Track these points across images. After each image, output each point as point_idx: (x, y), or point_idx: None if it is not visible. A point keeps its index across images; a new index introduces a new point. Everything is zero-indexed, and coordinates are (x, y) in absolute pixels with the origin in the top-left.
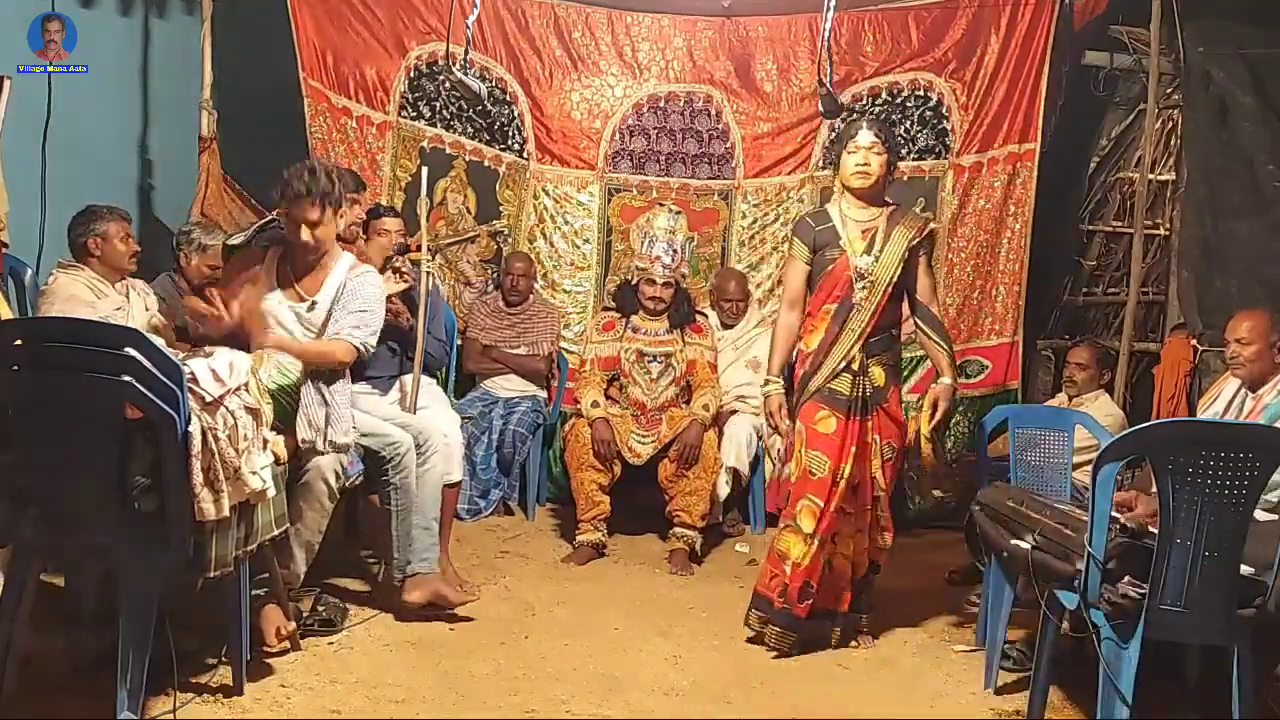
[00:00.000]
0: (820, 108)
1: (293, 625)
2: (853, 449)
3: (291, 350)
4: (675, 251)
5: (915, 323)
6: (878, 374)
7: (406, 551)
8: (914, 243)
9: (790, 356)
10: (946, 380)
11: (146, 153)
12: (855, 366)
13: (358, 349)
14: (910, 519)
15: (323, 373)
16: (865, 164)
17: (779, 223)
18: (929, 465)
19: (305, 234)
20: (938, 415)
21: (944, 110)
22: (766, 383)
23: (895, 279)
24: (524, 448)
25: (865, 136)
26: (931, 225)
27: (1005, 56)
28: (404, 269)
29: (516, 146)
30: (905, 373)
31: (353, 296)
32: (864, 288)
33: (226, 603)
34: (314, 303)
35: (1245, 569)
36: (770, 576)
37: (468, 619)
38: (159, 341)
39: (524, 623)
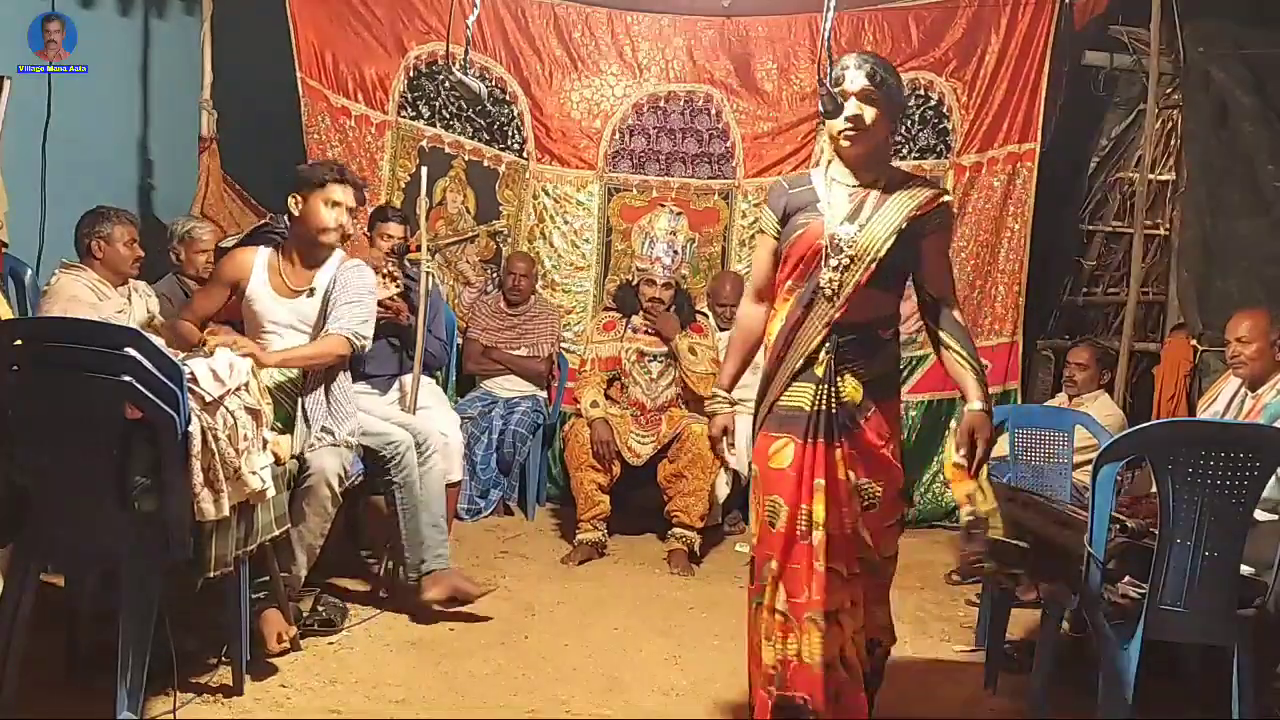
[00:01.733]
0: (820, 107)
1: (294, 630)
2: (818, 483)
3: (292, 362)
4: (676, 253)
5: (931, 330)
6: (850, 386)
7: (419, 550)
8: (916, 214)
9: (746, 365)
10: (977, 405)
11: (146, 153)
12: (820, 372)
13: (350, 340)
14: (910, 519)
15: (322, 372)
16: (857, 115)
17: None
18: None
19: (339, 216)
20: (978, 455)
21: (944, 110)
22: (713, 397)
23: (882, 257)
24: (524, 448)
25: (855, 79)
26: (946, 198)
27: (1005, 56)
28: (394, 273)
29: (516, 146)
30: (904, 372)
31: (343, 289)
32: (837, 265)
33: (226, 603)
34: (311, 289)
35: (1245, 569)
36: (751, 681)
37: (469, 619)
38: (159, 341)
39: (524, 623)
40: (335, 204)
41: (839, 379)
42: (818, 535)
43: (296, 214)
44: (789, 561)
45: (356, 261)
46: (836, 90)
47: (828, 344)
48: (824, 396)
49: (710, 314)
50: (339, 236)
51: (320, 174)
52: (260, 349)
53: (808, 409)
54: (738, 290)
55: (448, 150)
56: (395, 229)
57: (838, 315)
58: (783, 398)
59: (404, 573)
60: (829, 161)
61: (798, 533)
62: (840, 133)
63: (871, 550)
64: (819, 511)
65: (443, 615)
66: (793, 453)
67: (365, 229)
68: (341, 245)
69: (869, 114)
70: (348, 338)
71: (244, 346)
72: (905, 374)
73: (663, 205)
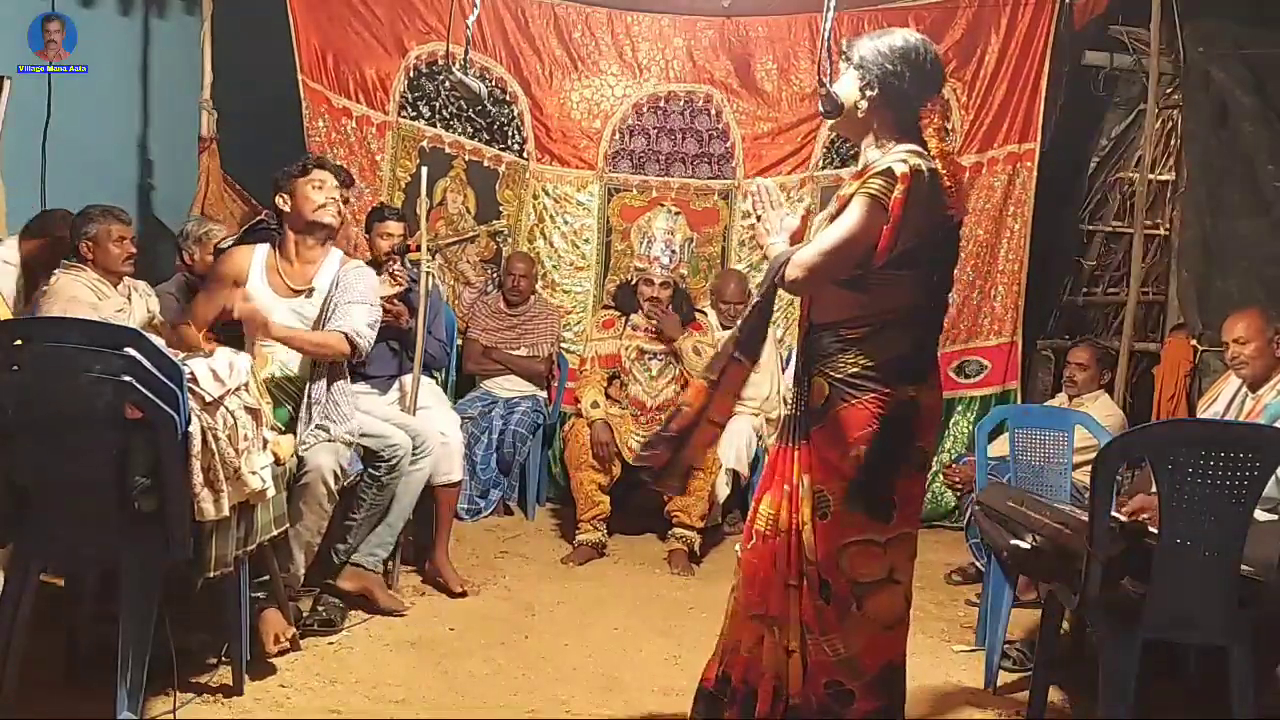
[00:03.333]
0: (820, 107)
1: (292, 631)
2: (785, 488)
3: (293, 341)
4: (673, 252)
5: None
6: (816, 388)
7: (359, 540)
8: (849, 195)
9: None
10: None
11: (146, 153)
12: (797, 375)
13: (350, 338)
14: None
15: (323, 371)
16: (824, 95)
17: None
18: None
19: (328, 194)
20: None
21: (944, 110)
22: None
23: None
24: (524, 448)
25: (822, 61)
26: (882, 165)
27: (1005, 56)
28: (397, 272)
29: (516, 146)
30: None
31: (347, 290)
32: None
33: (226, 602)
34: (311, 289)
35: (1245, 569)
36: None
37: (468, 619)
38: (159, 341)
39: (524, 623)
40: (320, 184)
41: (809, 381)
42: (779, 540)
43: (288, 209)
44: (750, 557)
45: (357, 263)
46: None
47: (803, 345)
48: (798, 399)
49: (714, 312)
50: (335, 213)
51: (297, 165)
52: (269, 319)
53: (787, 411)
54: (742, 289)
55: (448, 150)
56: (395, 227)
57: (814, 315)
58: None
59: (336, 551)
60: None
61: (764, 533)
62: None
63: (813, 565)
64: (783, 517)
65: (442, 615)
66: (774, 455)
67: (363, 229)
68: (336, 236)
69: (840, 90)
70: (347, 335)
71: (254, 315)
72: None
73: (660, 205)
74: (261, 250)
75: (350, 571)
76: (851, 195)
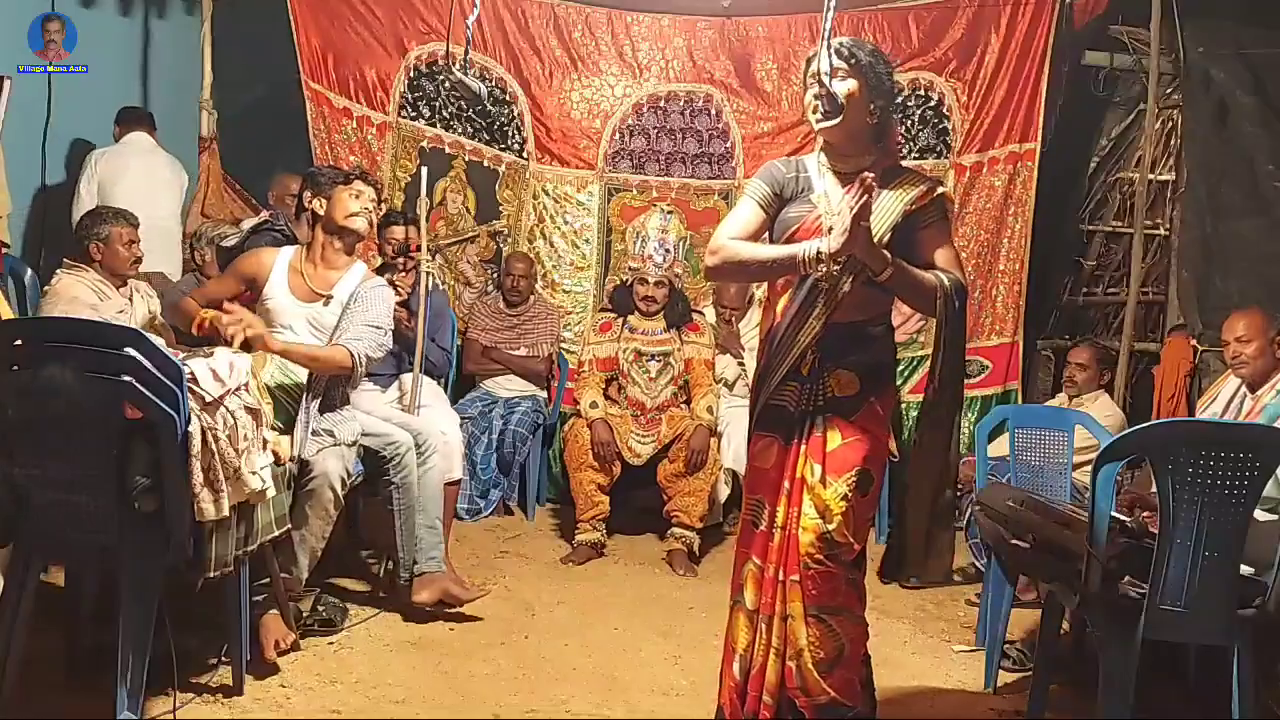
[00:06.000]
0: (820, 108)
1: (293, 637)
2: (786, 485)
3: (295, 355)
4: (668, 251)
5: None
6: (844, 380)
7: (413, 551)
8: (911, 208)
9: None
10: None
11: None
12: (805, 371)
13: (355, 358)
14: None
15: (319, 389)
16: (826, 92)
17: None
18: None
19: (364, 203)
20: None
21: (944, 110)
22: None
23: None
24: (524, 448)
25: (825, 59)
26: (941, 189)
27: (1005, 56)
28: (399, 284)
29: (516, 146)
30: (905, 372)
31: (364, 307)
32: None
33: (227, 603)
34: (329, 298)
35: (1245, 569)
36: (727, 682)
37: (469, 619)
38: (159, 341)
39: (524, 623)
40: (359, 194)
41: (827, 377)
42: (776, 535)
43: (321, 212)
44: (768, 562)
45: (380, 281)
46: (811, 74)
47: (817, 342)
48: (808, 396)
49: (712, 311)
50: (366, 223)
51: (344, 171)
52: (267, 332)
53: (791, 409)
54: (742, 293)
55: (448, 150)
56: (399, 231)
57: (835, 314)
58: (773, 397)
59: (395, 572)
60: (820, 149)
61: (777, 534)
62: (812, 113)
63: (836, 548)
64: (780, 513)
65: (442, 615)
66: (775, 453)
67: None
68: (360, 245)
69: (841, 89)
70: (353, 353)
71: (254, 326)
72: (906, 373)
73: (656, 205)
74: (287, 252)
75: (419, 582)
76: (927, 211)
